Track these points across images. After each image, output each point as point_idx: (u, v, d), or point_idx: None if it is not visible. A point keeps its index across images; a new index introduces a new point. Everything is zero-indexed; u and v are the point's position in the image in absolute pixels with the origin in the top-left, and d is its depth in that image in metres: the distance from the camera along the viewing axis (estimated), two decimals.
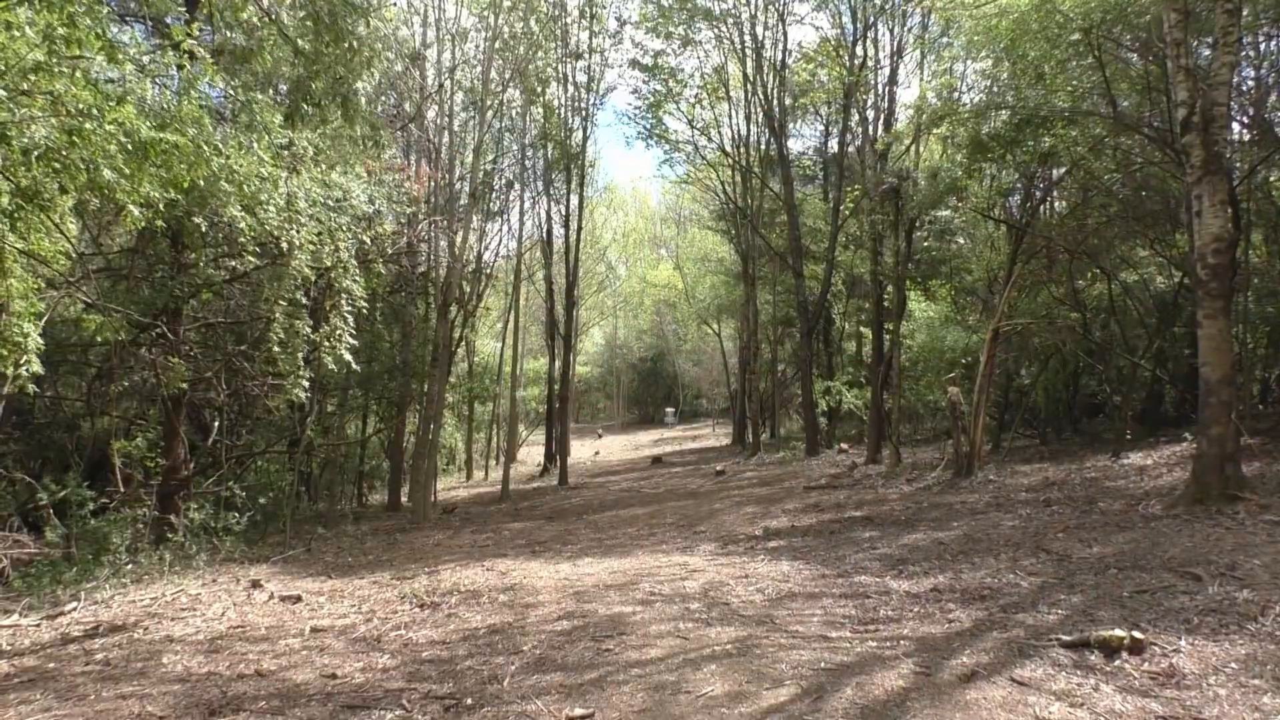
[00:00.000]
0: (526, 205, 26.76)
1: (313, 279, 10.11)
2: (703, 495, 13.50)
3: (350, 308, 9.96)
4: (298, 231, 8.37)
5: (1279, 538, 5.21)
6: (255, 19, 8.47)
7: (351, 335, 10.07)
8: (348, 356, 9.94)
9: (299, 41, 8.62)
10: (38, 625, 6.17)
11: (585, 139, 21.09)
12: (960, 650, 3.87)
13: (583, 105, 21.06)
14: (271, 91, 9.46)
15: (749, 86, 20.55)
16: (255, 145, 7.10)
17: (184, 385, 9.71)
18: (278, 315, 9.36)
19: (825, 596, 5.34)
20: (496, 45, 16.31)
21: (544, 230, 22.17)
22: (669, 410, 43.02)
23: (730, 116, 22.39)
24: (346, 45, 8.59)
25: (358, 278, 9.91)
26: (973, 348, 12.98)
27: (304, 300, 9.93)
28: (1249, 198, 10.45)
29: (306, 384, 10.00)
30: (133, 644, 5.41)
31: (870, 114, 17.55)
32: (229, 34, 8.84)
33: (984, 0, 10.53)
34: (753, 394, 22.11)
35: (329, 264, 9.45)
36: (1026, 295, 13.12)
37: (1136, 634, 3.64)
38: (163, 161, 5.90)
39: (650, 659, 4.15)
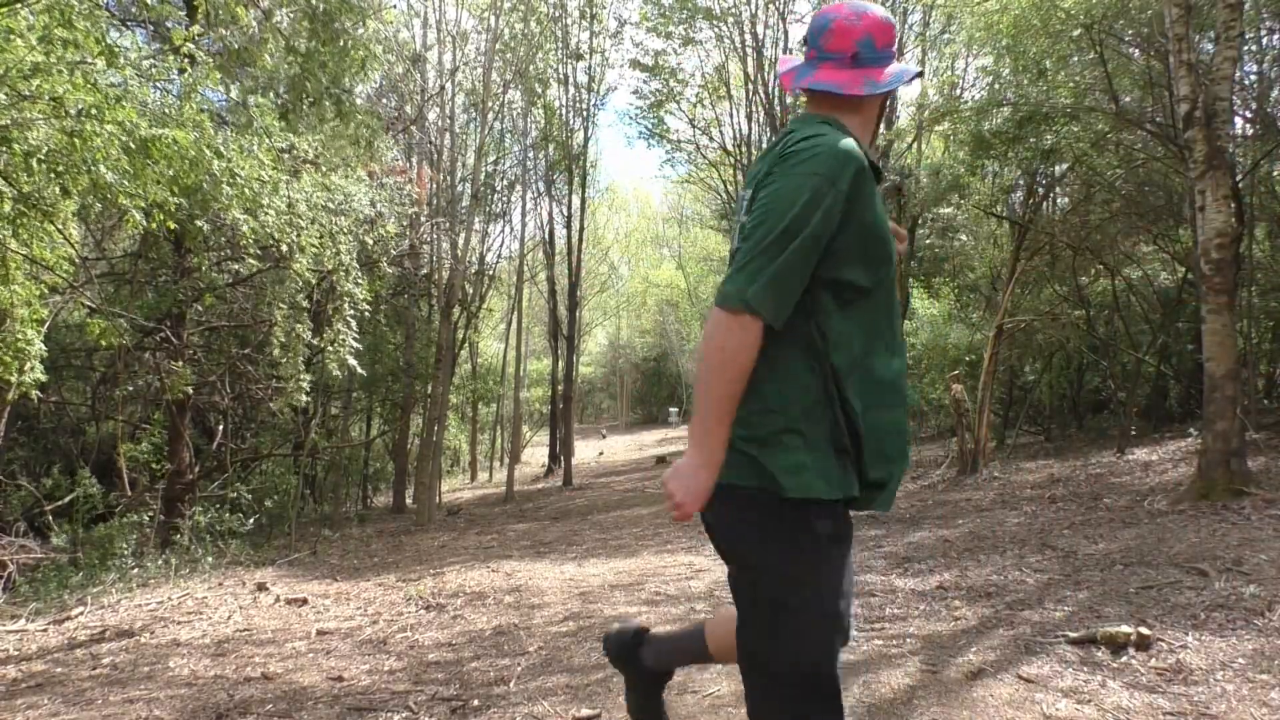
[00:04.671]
0: (528, 206, 26.81)
1: (314, 283, 10.12)
2: None
3: (353, 312, 9.95)
4: (298, 235, 8.38)
5: None
6: (252, 21, 8.49)
7: (355, 339, 10.06)
8: (351, 361, 9.93)
9: (294, 40, 8.65)
10: (44, 630, 6.19)
11: (586, 139, 21.10)
12: (967, 648, 3.86)
13: (584, 106, 21.07)
14: (273, 95, 9.48)
15: (750, 85, 20.53)
16: (256, 149, 7.12)
17: (188, 389, 9.73)
18: (278, 319, 9.37)
19: None
20: (497, 47, 16.33)
21: (546, 231, 22.16)
22: (672, 410, 42.97)
23: (731, 115, 22.36)
24: (341, 44, 8.62)
25: (359, 281, 9.91)
26: (976, 345, 12.96)
27: (305, 304, 9.93)
28: (1252, 192, 10.43)
29: (308, 388, 10.00)
30: (139, 648, 5.42)
31: None
32: (223, 31, 8.86)
33: None
34: None
35: (330, 267, 9.46)
36: (1030, 292, 13.10)
37: (1143, 630, 3.63)
38: (164, 157, 5.92)
39: None
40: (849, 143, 1.56)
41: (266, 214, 7.71)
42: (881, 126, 1.78)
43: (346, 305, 9.86)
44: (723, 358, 1.46)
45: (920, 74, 1.71)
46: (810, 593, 1.56)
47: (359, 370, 10.54)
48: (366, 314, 10.93)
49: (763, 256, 1.47)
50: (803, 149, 1.55)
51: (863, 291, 1.60)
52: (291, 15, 9.05)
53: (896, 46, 1.71)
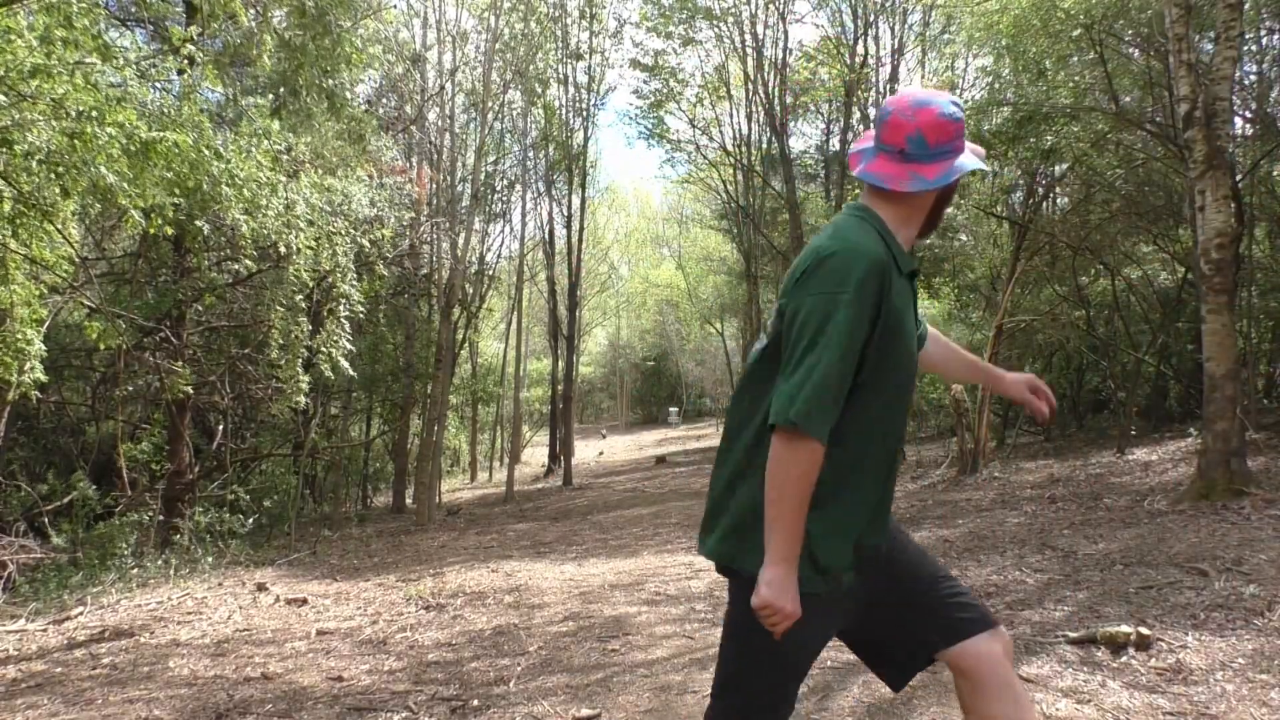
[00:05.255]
0: (528, 206, 26.85)
1: (311, 284, 10.10)
2: (707, 495, 13.46)
3: (348, 313, 9.93)
4: (296, 236, 8.38)
5: None
6: (250, 21, 8.48)
7: (349, 341, 10.04)
8: (344, 363, 9.90)
9: (286, 34, 8.65)
10: (44, 630, 6.18)
11: (586, 139, 21.11)
12: None
13: (583, 106, 21.06)
14: (271, 97, 9.48)
15: (750, 85, 20.53)
16: (254, 150, 7.12)
17: (188, 389, 9.72)
18: (275, 321, 9.36)
19: None
20: (497, 47, 16.32)
21: (546, 231, 22.16)
22: (672, 410, 42.98)
23: (731, 115, 22.37)
24: (330, 39, 8.61)
25: (355, 282, 9.89)
26: (976, 345, 12.96)
27: (303, 305, 9.92)
28: (1252, 192, 10.42)
29: (307, 389, 9.98)
30: (139, 648, 5.42)
31: (872, 112, 17.54)
32: (215, 25, 8.85)
33: None
34: None
35: (328, 268, 9.45)
36: (1029, 292, 13.09)
37: (1143, 630, 3.63)
38: (164, 163, 5.91)
39: (656, 659, 4.15)
40: (866, 247, 1.61)
41: (265, 215, 7.70)
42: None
43: (342, 306, 9.84)
44: (785, 479, 1.56)
45: (984, 171, 1.75)
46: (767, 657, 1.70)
47: (351, 372, 10.51)
48: (362, 315, 10.91)
49: (802, 376, 1.55)
50: (821, 264, 1.62)
51: (872, 394, 1.66)
52: (286, 10, 9.04)
53: (961, 138, 1.71)
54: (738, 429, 1.80)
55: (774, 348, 1.71)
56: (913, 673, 1.86)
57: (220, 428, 12.48)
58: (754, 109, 21.19)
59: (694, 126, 22.53)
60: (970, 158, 1.72)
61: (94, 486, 9.59)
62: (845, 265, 1.58)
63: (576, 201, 21.12)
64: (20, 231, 6.57)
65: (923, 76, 17.27)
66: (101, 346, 8.63)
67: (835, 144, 21.82)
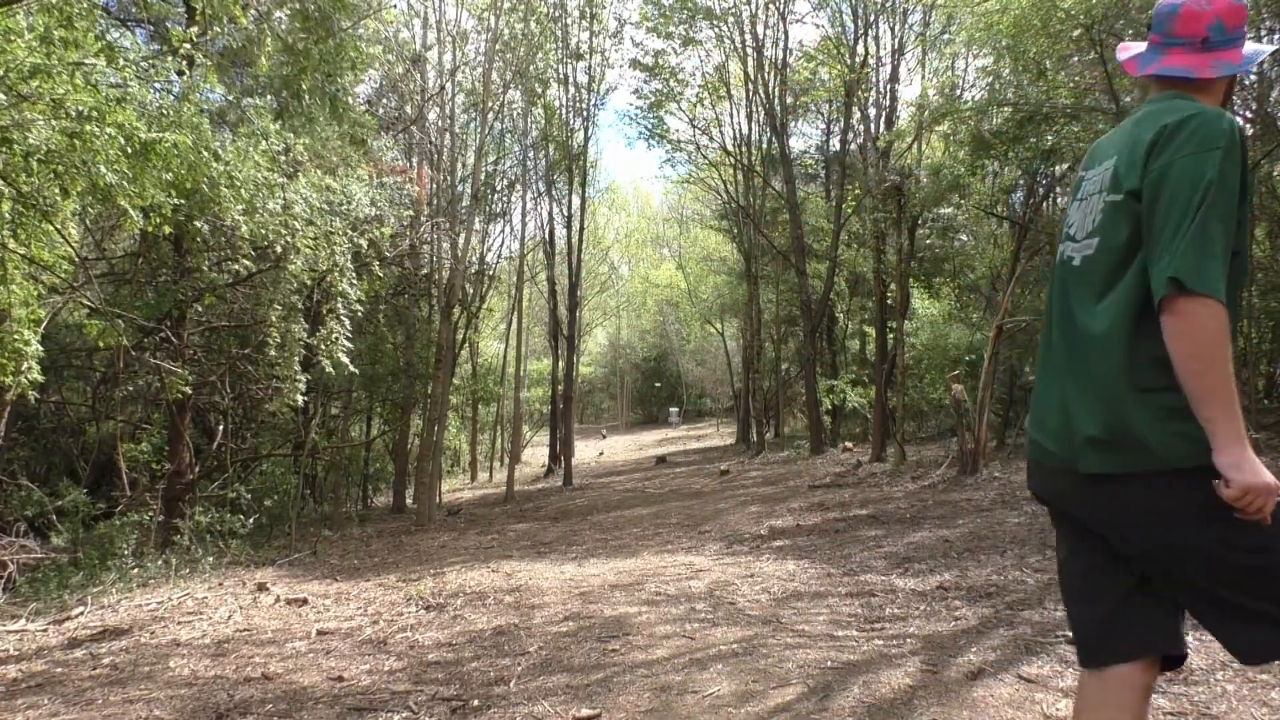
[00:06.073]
0: (528, 206, 26.88)
1: (309, 283, 10.10)
2: (707, 495, 13.49)
3: (346, 311, 9.94)
4: (293, 236, 8.38)
5: None
6: (249, 23, 8.48)
7: (348, 339, 10.05)
8: (345, 360, 9.92)
9: (289, 38, 8.66)
10: (44, 630, 6.18)
11: (586, 139, 21.11)
12: (967, 648, 3.86)
13: (584, 106, 21.06)
14: (270, 97, 9.48)
15: (750, 85, 20.54)
16: (253, 151, 7.13)
17: (188, 389, 9.72)
18: (273, 319, 9.37)
19: (831, 595, 5.34)
20: (497, 47, 16.33)
21: (546, 231, 22.16)
22: (672, 410, 43.00)
23: (731, 115, 22.38)
24: (332, 43, 8.63)
25: (353, 281, 9.90)
26: (976, 345, 12.96)
27: (300, 304, 9.93)
28: (1252, 192, 10.41)
29: (304, 388, 9.99)
30: (139, 648, 5.41)
31: (872, 112, 17.54)
32: (217, 29, 8.85)
33: None
34: (756, 393, 22.11)
35: (326, 268, 9.45)
36: (1030, 292, 13.10)
37: None
38: (163, 164, 5.92)
39: (656, 659, 4.15)
40: (1221, 111, 1.59)
41: (263, 215, 7.70)
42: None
43: (340, 305, 9.85)
44: (1204, 350, 1.45)
45: (1278, 50, 1.77)
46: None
47: (352, 369, 10.52)
48: (360, 314, 10.92)
49: (1191, 238, 1.47)
50: (1181, 127, 1.56)
51: (1239, 263, 1.60)
52: (289, 14, 9.05)
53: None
54: (1077, 336, 1.70)
55: (1106, 246, 1.64)
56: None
57: (220, 428, 12.47)
58: (754, 109, 21.20)
59: (694, 126, 22.54)
60: (1255, 45, 1.74)
61: (84, 491, 9.59)
62: (1211, 124, 1.55)
63: (576, 201, 21.13)
64: (20, 231, 6.57)
65: (923, 76, 17.25)
66: (102, 345, 8.62)
67: (835, 144, 21.84)
